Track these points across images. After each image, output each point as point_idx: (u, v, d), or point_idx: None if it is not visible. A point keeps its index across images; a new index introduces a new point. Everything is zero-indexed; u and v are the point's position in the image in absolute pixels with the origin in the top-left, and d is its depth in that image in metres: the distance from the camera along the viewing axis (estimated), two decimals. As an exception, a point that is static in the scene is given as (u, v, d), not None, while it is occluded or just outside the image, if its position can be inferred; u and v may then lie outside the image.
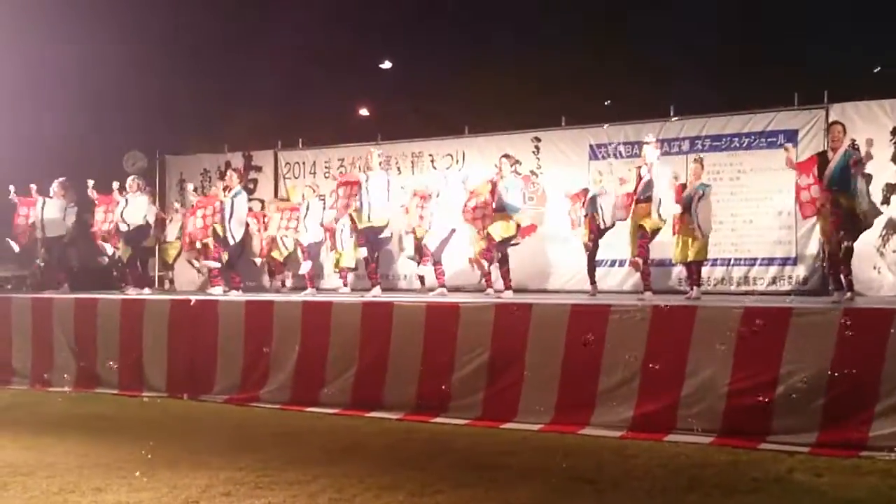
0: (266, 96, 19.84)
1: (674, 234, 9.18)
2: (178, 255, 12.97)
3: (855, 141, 8.57)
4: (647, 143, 9.10)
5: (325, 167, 13.46)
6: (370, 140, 13.28)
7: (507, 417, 7.56)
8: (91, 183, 11.67)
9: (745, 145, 10.76)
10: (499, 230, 9.48)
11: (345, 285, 11.54)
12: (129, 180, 11.65)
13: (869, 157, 8.01)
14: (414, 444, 6.98)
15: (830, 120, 10.07)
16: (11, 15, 13.63)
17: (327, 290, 12.04)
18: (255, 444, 7.00)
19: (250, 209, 11.91)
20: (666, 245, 9.49)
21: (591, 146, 11.62)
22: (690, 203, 9.06)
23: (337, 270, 11.71)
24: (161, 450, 6.71)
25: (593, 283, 10.18)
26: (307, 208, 11.43)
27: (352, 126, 19.51)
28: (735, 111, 11.15)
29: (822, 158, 8.15)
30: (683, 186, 9.27)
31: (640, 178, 8.97)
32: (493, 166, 10.00)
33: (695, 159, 9.44)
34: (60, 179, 11.92)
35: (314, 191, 11.77)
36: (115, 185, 11.66)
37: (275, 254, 12.10)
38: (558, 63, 19.51)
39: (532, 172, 11.83)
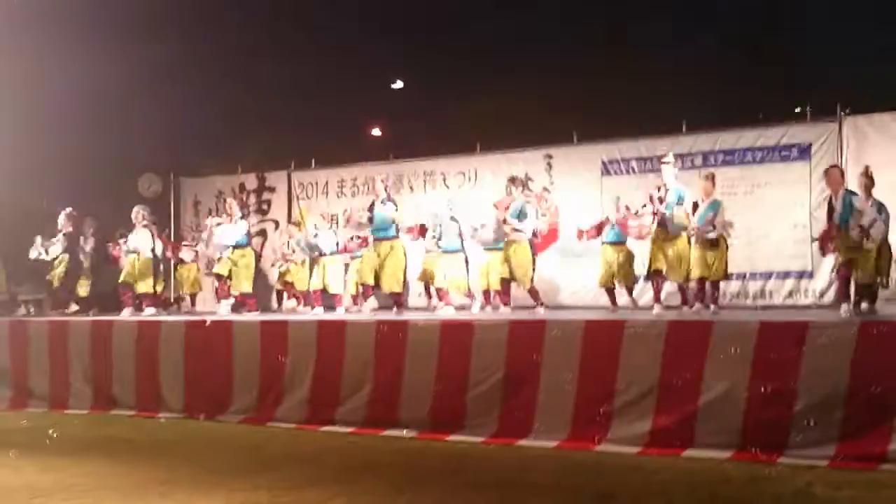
0: (279, 117, 19.99)
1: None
2: (194, 282, 13.05)
3: (869, 168, 8.51)
4: (665, 162, 9.00)
5: (339, 187, 13.53)
6: (382, 159, 13.35)
7: (522, 434, 7.52)
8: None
9: (758, 159, 10.75)
10: (526, 272, 9.51)
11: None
12: (134, 212, 11.64)
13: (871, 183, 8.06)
14: (429, 462, 6.97)
15: (844, 134, 10.10)
16: (23, 35, 13.78)
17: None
18: (272, 463, 7.01)
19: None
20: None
21: (603, 162, 11.66)
22: (704, 223, 9.00)
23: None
24: (178, 471, 6.72)
25: (615, 303, 10.22)
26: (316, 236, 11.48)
27: (364, 146, 19.64)
28: (747, 125, 11.16)
29: (829, 206, 8.13)
30: (696, 205, 9.21)
31: (661, 200, 8.84)
32: (505, 189, 10.03)
33: (705, 176, 9.34)
34: (67, 210, 11.98)
35: (324, 219, 11.84)
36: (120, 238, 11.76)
37: (288, 278, 12.16)
38: (569, 80, 19.58)
39: (545, 189, 11.86)
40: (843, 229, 7.80)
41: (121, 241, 11.72)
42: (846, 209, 7.78)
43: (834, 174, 8.11)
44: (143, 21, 16.81)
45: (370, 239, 10.36)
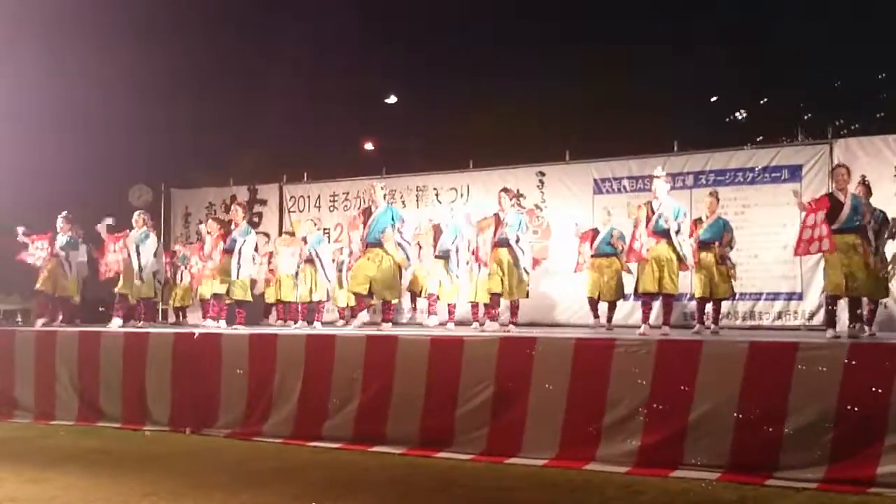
0: (272, 130, 20.00)
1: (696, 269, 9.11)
2: (184, 298, 12.99)
3: (865, 177, 8.62)
4: (657, 176, 9.04)
5: (331, 201, 13.51)
6: (375, 174, 13.35)
7: (511, 452, 7.49)
8: (108, 221, 11.64)
9: (749, 180, 10.79)
10: (516, 289, 9.48)
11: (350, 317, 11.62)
12: (136, 216, 11.64)
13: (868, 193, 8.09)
14: (417, 479, 6.92)
15: (834, 156, 10.15)
16: (18, 46, 13.76)
17: (330, 322, 12.06)
18: (258, 478, 6.95)
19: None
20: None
21: (595, 180, 11.68)
22: (711, 239, 9.00)
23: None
24: (163, 484, 6.66)
25: (597, 316, 10.21)
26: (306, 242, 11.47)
27: (357, 160, 19.65)
28: (739, 146, 11.21)
29: (833, 201, 8.01)
30: (697, 222, 9.22)
31: (651, 212, 8.88)
32: (497, 202, 10.00)
33: (710, 193, 9.43)
34: (64, 213, 11.94)
35: (315, 224, 11.84)
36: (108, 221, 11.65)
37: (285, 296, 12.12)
38: (562, 98, 19.66)
39: (536, 206, 11.88)
40: (845, 232, 7.81)
41: (107, 221, 11.57)
42: (853, 211, 7.79)
43: (841, 174, 8.08)
44: (138, 34, 16.83)
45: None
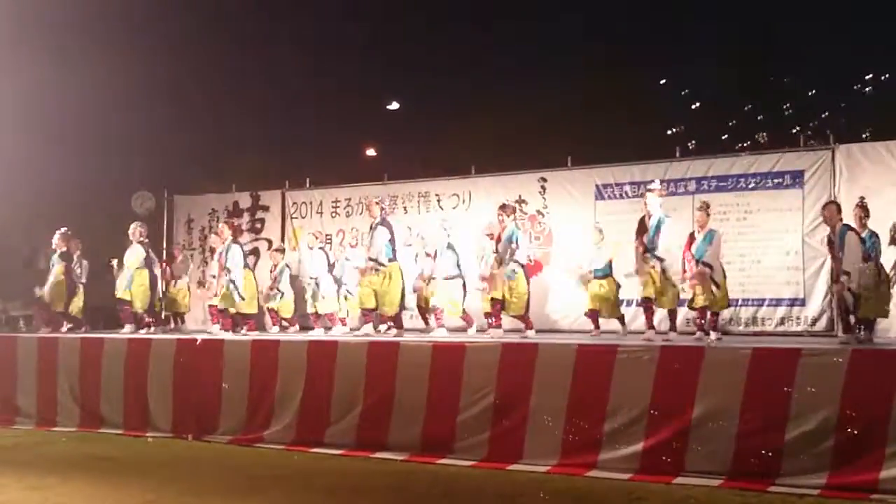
0: (274, 137, 20.04)
1: (687, 283, 9.07)
2: (182, 301, 12.96)
3: (864, 198, 8.71)
4: (649, 190, 9.03)
5: (333, 207, 13.50)
6: (377, 180, 13.34)
7: (512, 459, 7.49)
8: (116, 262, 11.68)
9: (751, 186, 10.75)
10: (521, 299, 9.50)
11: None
12: (131, 229, 11.59)
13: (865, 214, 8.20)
14: (419, 485, 6.92)
15: (836, 162, 10.14)
16: (19, 54, 13.79)
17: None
18: (260, 485, 6.95)
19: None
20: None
21: (597, 186, 11.65)
22: (703, 254, 8.95)
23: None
24: (165, 491, 6.67)
25: (598, 327, 10.17)
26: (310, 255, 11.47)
27: (359, 166, 19.68)
28: (741, 152, 11.19)
29: (829, 241, 8.21)
30: (692, 236, 9.16)
31: (646, 228, 8.87)
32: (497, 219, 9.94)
33: (699, 207, 9.28)
34: (61, 231, 11.89)
35: (316, 238, 11.83)
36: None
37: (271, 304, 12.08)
38: (564, 104, 19.68)
39: (538, 212, 11.86)
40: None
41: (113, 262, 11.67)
42: (841, 242, 7.84)
43: (831, 210, 8.19)
44: (140, 42, 16.86)
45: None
